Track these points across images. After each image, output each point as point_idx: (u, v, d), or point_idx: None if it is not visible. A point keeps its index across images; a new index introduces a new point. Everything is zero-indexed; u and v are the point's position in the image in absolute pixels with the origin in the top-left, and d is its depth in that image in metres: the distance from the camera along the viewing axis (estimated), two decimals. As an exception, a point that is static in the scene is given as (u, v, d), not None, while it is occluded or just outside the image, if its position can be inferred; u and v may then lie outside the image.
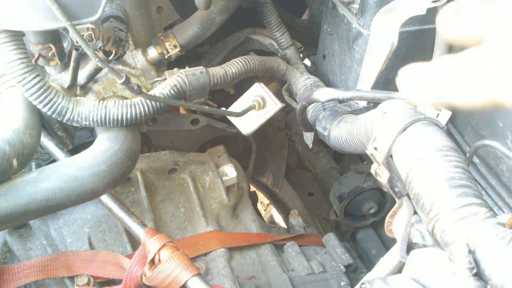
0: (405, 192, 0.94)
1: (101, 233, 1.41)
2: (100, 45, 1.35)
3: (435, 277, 0.80)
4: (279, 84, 1.78)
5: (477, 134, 1.32)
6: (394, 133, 0.95)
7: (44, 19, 1.03)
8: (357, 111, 1.30)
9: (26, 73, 1.10)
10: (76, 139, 1.46)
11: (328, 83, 1.64)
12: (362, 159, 1.98)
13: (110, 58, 1.36)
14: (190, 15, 1.62)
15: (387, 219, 1.04)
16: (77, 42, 1.07)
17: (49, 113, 1.18)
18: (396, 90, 1.15)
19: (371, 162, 1.03)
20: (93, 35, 1.22)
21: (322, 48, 1.68)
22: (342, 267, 1.48)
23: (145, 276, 1.20)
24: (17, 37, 1.08)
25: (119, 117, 1.24)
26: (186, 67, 1.44)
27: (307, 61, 2.09)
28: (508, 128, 1.19)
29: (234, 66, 1.48)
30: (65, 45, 1.39)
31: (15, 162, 1.08)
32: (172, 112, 1.71)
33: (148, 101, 1.26)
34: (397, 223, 1.02)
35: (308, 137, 1.59)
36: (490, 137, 1.26)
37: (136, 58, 1.58)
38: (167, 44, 1.59)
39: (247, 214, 1.64)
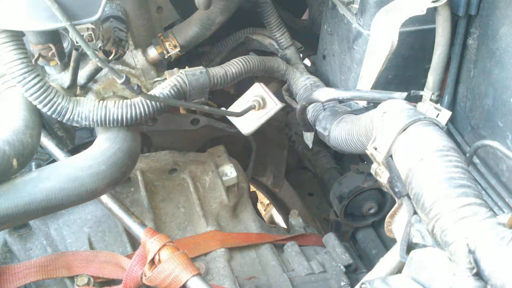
0: (405, 192, 0.94)
1: (101, 233, 1.41)
2: (100, 45, 1.35)
3: (435, 277, 0.80)
4: (279, 84, 1.78)
5: (477, 134, 1.32)
6: (394, 133, 0.95)
7: (44, 19, 1.03)
8: (357, 111, 1.30)
9: (26, 73, 1.10)
10: (76, 139, 1.46)
11: (328, 83, 1.64)
12: (362, 159, 1.98)
13: (110, 58, 1.36)
14: (190, 15, 1.62)
15: (387, 219, 1.04)
16: (77, 42, 1.07)
17: (49, 113, 1.18)
18: (396, 90, 1.15)
19: (371, 162, 1.03)
20: (93, 35, 1.22)
21: (322, 48, 1.68)
22: (342, 267, 1.48)
23: (145, 276, 1.20)
24: (17, 37, 1.08)
25: (119, 117, 1.24)
26: (186, 67, 1.44)
27: (307, 61, 2.08)
28: (508, 128, 1.19)
29: (234, 66, 1.48)
30: (65, 45, 1.39)
31: (15, 162, 1.08)
32: (172, 112, 1.71)
33: (148, 101, 1.26)
34: (397, 223, 1.02)
35: (308, 137, 1.59)
36: (490, 137, 1.26)
37: (136, 58, 1.58)
38: (167, 44, 1.59)
39: (247, 214, 1.64)
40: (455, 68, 1.34)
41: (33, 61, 1.17)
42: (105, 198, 1.31)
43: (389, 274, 1.12)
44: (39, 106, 1.16)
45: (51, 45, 1.22)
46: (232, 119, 1.62)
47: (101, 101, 1.23)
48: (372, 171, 1.03)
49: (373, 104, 1.29)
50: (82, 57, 1.38)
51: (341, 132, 1.25)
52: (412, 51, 1.39)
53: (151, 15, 1.60)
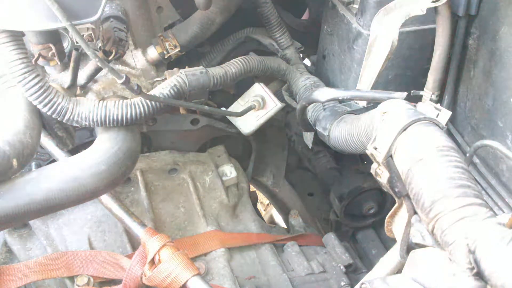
0: (405, 192, 0.94)
1: (101, 233, 1.41)
2: (100, 45, 1.35)
3: (435, 277, 0.80)
4: (279, 84, 1.78)
5: (477, 134, 1.32)
6: (394, 133, 0.95)
7: (44, 19, 1.03)
8: (357, 111, 1.31)
9: (26, 73, 1.10)
10: (76, 139, 1.46)
11: (328, 83, 1.64)
12: (362, 159, 1.98)
13: (110, 58, 1.36)
14: (190, 15, 1.62)
15: (387, 219, 1.04)
16: (77, 42, 1.07)
17: (49, 113, 1.18)
18: (396, 90, 1.15)
19: (371, 162, 1.03)
20: (93, 35, 1.22)
21: (322, 48, 1.68)
22: (342, 267, 1.48)
23: (145, 276, 1.20)
24: (17, 37, 1.08)
25: (119, 117, 1.24)
26: (186, 67, 1.44)
27: (307, 61, 2.09)
28: (508, 128, 1.19)
29: (234, 66, 1.48)
30: (65, 45, 1.39)
31: (15, 162, 1.08)
32: (172, 112, 1.71)
33: (148, 101, 1.26)
34: (397, 223, 1.02)
35: (308, 137, 1.59)
36: (490, 137, 1.26)
37: (136, 58, 1.58)
38: (167, 44, 1.59)
39: (247, 214, 1.64)
40: (455, 68, 1.34)
41: (33, 61, 1.17)
42: (105, 198, 1.31)
43: (389, 274, 1.12)
44: (39, 106, 1.16)
45: (51, 45, 1.22)
46: (232, 119, 1.63)
47: (101, 101, 1.23)
48: (372, 171, 1.03)
49: (373, 104, 1.29)
50: (82, 57, 1.38)
51: (341, 132, 1.25)
52: (412, 51, 1.39)
53: (151, 15, 1.60)
